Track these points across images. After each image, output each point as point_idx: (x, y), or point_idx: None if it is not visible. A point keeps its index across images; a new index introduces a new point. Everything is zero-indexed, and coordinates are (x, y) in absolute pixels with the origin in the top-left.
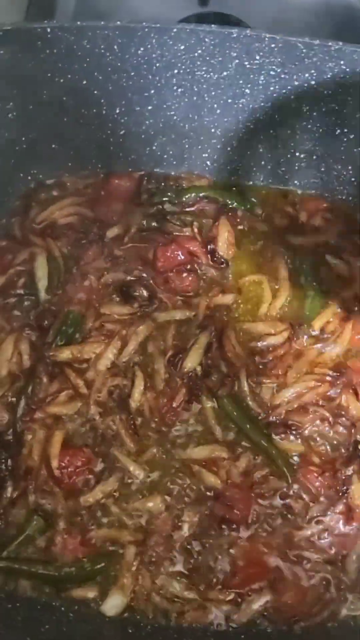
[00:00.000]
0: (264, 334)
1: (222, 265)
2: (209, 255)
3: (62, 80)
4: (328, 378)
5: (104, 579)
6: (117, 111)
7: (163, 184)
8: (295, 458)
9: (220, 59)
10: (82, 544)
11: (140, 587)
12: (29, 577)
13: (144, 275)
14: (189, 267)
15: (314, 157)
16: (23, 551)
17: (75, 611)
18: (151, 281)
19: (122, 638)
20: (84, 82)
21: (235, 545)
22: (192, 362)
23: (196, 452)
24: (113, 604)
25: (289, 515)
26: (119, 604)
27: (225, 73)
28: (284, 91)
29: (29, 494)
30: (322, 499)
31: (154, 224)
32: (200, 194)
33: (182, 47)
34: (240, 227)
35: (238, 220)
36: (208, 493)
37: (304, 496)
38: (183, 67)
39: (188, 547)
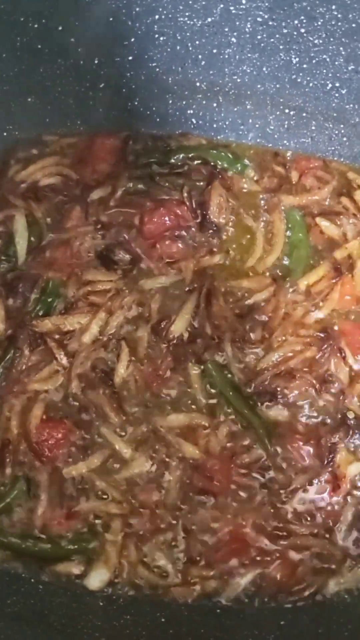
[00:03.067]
0: (250, 291)
1: (214, 231)
2: (199, 221)
3: (36, 26)
4: (315, 341)
5: (85, 554)
6: (96, 62)
7: (150, 144)
8: (280, 426)
9: (204, 2)
10: (68, 517)
11: (125, 560)
12: (3, 548)
13: (124, 237)
14: (177, 232)
15: (304, 114)
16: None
17: (46, 583)
18: (132, 244)
19: (98, 612)
20: (60, 28)
21: (216, 518)
22: (178, 328)
23: (176, 419)
24: (97, 578)
25: (272, 487)
26: (103, 578)
27: (209, 19)
28: (272, 40)
29: (6, 466)
30: (306, 468)
31: (140, 186)
32: (190, 155)
33: None
34: (232, 189)
35: (230, 182)
36: (188, 464)
37: (288, 466)
38: (165, 12)
39: (171, 520)
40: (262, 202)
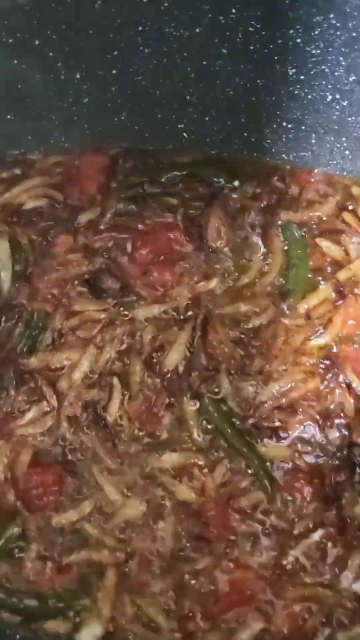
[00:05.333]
0: (247, 315)
1: (210, 255)
2: (194, 245)
3: (11, 40)
4: (318, 370)
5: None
6: (78, 76)
7: (140, 161)
8: (281, 465)
9: (190, 12)
10: (59, 571)
11: (119, 614)
12: None
13: (112, 263)
14: (170, 258)
15: (303, 127)
16: None
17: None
18: (123, 271)
19: None
20: (36, 42)
21: (214, 567)
22: (173, 360)
23: (170, 459)
24: (90, 633)
25: (274, 533)
26: (96, 632)
27: (197, 30)
28: (265, 51)
29: None
30: (310, 511)
31: (132, 207)
32: (183, 172)
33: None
34: (229, 207)
35: (228, 201)
36: (183, 509)
37: (290, 509)
38: (148, 23)
39: (167, 570)
40: (259, 218)
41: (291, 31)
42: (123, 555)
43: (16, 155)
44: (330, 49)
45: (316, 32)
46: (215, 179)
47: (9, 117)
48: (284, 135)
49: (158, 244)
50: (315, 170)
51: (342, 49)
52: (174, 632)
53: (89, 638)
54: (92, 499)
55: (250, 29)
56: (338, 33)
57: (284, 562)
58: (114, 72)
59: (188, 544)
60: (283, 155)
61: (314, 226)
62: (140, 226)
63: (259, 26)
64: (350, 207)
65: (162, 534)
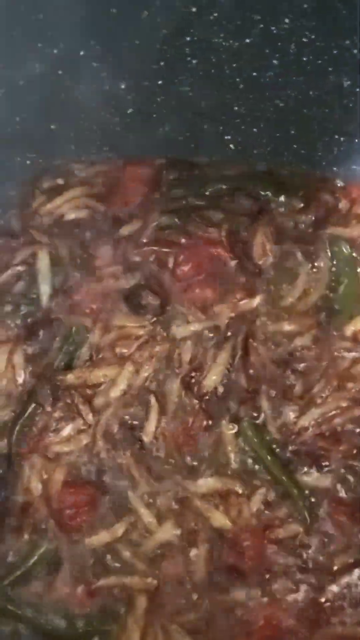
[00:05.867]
0: (291, 335)
1: (254, 273)
2: (238, 262)
3: (55, 51)
4: None
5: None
6: (122, 86)
7: (185, 173)
8: (321, 496)
9: (240, 22)
10: (89, 594)
11: None
12: (16, 620)
13: (152, 278)
14: (213, 275)
15: (357, 140)
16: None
17: None
18: (163, 287)
19: None
20: (81, 52)
21: (248, 600)
22: (212, 381)
23: (206, 484)
24: None
25: (311, 567)
26: None
27: (247, 40)
28: (319, 62)
29: (24, 531)
30: (350, 546)
31: (175, 220)
32: (229, 185)
33: (194, 9)
34: (276, 222)
35: (275, 216)
36: (218, 537)
37: (329, 543)
38: (196, 33)
39: (198, 599)
40: (307, 234)
41: (347, 42)
42: (155, 581)
43: (59, 165)
44: None
45: None
46: (262, 193)
47: (52, 127)
48: (335, 148)
49: (200, 260)
50: None
51: None
52: None
53: None
54: (125, 521)
55: (304, 40)
56: None
57: (322, 599)
58: (160, 82)
59: (222, 574)
60: (334, 169)
61: None
62: (183, 241)
63: (313, 37)
64: None
65: (195, 561)
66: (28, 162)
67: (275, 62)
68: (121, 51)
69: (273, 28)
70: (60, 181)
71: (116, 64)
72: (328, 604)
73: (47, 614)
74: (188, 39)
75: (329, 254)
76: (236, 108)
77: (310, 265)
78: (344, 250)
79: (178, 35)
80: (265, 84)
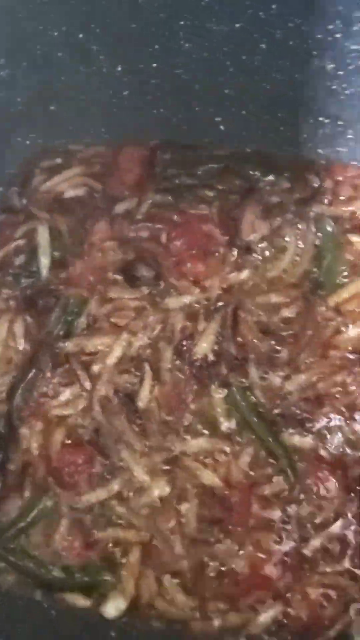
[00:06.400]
0: (278, 306)
1: (244, 249)
2: (228, 238)
3: (56, 34)
4: (346, 363)
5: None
6: (119, 69)
7: (179, 153)
8: (305, 455)
9: (231, 8)
10: (86, 546)
11: (142, 590)
12: (18, 571)
13: (146, 253)
14: (204, 250)
15: (340, 122)
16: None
17: (59, 610)
18: (158, 259)
19: None
20: (80, 35)
21: (235, 551)
22: (202, 349)
23: (197, 444)
24: (113, 607)
25: (295, 521)
26: (119, 606)
27: (238, 25)
28: (305, 46)
29: (25, 489)
30: (332, 501)
31: (168, 198)
32: (220, 165)
33: None
34: (264, 201)
35: (263, 194)
36: (207, 493)
37: (312, 499)
38: (190, 17)
39: (189, 551)
40: (293, 212)
41: (331, 26)
42: (148, 535)
43: (58, 145)
44: None
45: (355, 28)
46: (251, 173)
47: (52, 108)
48: (320, 130)
49: (192, 236)
50: (351, 165)
51: None
52: (194, 610)
53: (113, 611)
54: (120, 479)
55: (290, 25)
56: None
57: (305, 551)
58: (155, 65)
59: (211, 527)
60: (319, 150)
61: (348, 221)
62: (175, 217)
63: (298, 21)
64: None
65: (185, 516)
66: (28, 142)
67: (263, 46)
68: (118, 34)
69: (261, 13)
70: (59, 160)
71: (114, 47)
72: (311, 555)
73: (46, 565)
74: (182, 23)
75: (314, 230)
76: (227, 91)
77: (296, 241)
78: (328, 227)
79: (172, 19)
80: (254, 68)
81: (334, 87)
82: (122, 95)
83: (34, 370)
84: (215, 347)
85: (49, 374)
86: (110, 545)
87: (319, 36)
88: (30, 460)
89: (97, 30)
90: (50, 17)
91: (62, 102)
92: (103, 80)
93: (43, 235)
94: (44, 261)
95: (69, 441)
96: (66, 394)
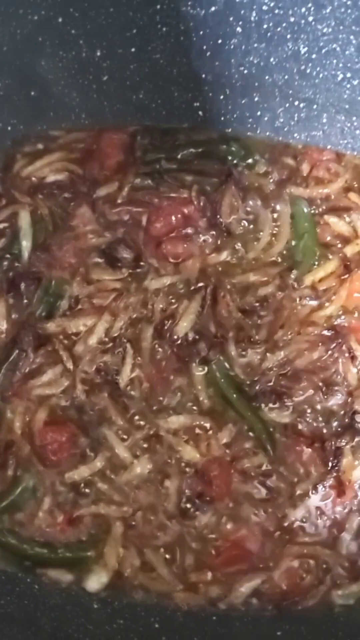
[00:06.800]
0: (256, 285)
1: (222, 230)
2: (207, 220)
3: (35, 18)
4: (322, 339)
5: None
6: (98, 54)
7: (158, 138)
8: (283, 429)
9: None
10: (69, 522)
11: (124, 564)
12: (0, 547)
13: (127, 235)
14: (184, 232)
15: (315, 106)
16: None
17: (42, 584)
18: (138, 241)
19: (91, 616)
20: (59, 19)
21: (216, 524)
22: (183, 328)
23: (177, 420)
24: (96, 580)
25: (274, 494)
26: (102, 580)
27: (213, 8)
28: (279, 29)
29: (8, 467)
30: (310, 474)
31: (148, 182)
32: (199, 149)
33: None
34: (243, 184)
35: (241, 178)
36: (187, 468)
37: (291, 472)
38: (166, 1)
39: (171, 525)
40: (270, 194)
41: (303, 9)
42: (130, 510)
43: (39, 131)
44: (341, 27)
45: (327, 11)
46: (230, 157)
47: (32, 93)
48: (296, 114)
49: (172, 218)
50: (326, 149)
51: (353, 27)
52: (177, 583)
53: (96, 585)
54: (103, 456)
55: (264, 8)
56: (349, 11)
57: (285, 522)
58: (133, 50)
59: (192, 501)
60: (295, 134)
61: (323, 203)
62: (156, 201)
63: (272, 4)
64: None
65: (167, 491)
66: (9, 127)
67: (238, 29)
68: (97, 19)
69: None
70: (40, 146)
71: (92, 32)
72: (290, 526)
73: (29, 541)
74: (158, 7)
75: (290, 211)
76: (204, 75)
77: (273, 221)
78: (304, 208)
79: (149, 3)
80: (230, 51)
81: (308, 70)
82: (101, 80)
83: (16, 351)
84: (196, 326)
85: (31, 355)
86: (93, 521)
87: (292, 19)
88: (14, 439)
89: (76, 14)
90: (29, 1)
91: (43, 87)
92: (82, 65)
93: (24, 219)
94: (26, 244)
95: (52, 420)
96: (49, 374)
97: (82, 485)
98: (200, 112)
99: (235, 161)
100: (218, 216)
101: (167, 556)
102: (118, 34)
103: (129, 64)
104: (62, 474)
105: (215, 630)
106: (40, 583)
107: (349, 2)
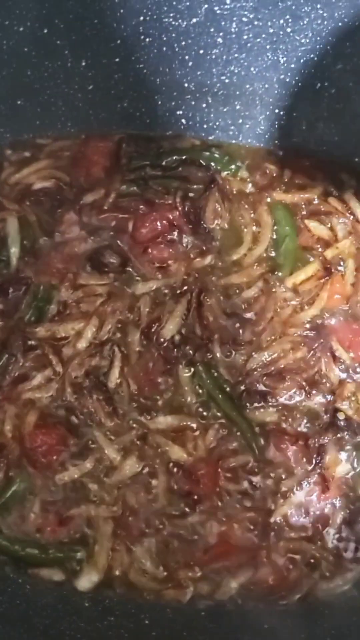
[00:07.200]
0: (239, 287)
1: (206, 235)
2: (192, 226)
3: (21, 29)
4: (305, 340)
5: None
6: (83, 64)
7: (143, 146)
8: (268, 428)
9: (187, 3)
10: (60, 523)
11: (115, 563)
12: None
13: (113, 241)
14: (169, 237)
15: (294, 114)
16: None
17: (33, 584)
18: (124, 247)
19: (82, 613)
20: (45, 30)
21: (204, 522)
22: (169, 331)
23: (165, 421)
24: (87, 579)
25: (260, 491)
26: (93, 579)
27: (194, 20)
28: (258, 40)
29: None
30: (295, 471)
31: (134, 189)
32: (183, 157)
33: None
34: (226, 191)
35: (224, 184)
36: (175, 468)
37: (276, 469)
38: (149, 13)
39: (159, 524)
40: (253, 199)
41: (281, 21)
42: (119, 510)
43: (26, 139)
44: (319, 38)
45: (305, 22)
46: (213, 163)
47: (19, 102)
48: (276, 122)
49: (158, 224)
50: (306, 156)
51: (329, 38)
52: (166, 580)
53: (87, 584)
54: (92, 458)
55: (244, 19)
56: (325, 23)
57: (271, 519)
58: (117, 60)
59: (179, 500)
60: (276, 141)
61: (304, 207)
62: (141, 207)
63: (251, 16)
64: (336, 193)
65: (155, 491)
66: None
67: (219, 40)
68: (82, 30)
69: (217, 8)
70: (27, 154)
71: (77, 42)
72: (276, 522)
73: (21, 542)
74: (141, 18)
75: (272, 216)
76: (186, 84)
77: (255, 226)
78: (285, 213)
79: (133, 14)
80: (211, 61)
81: (287, 80)
82: (86, 89)
83: (6, 356)
84: (182, 329)
85: (21, 359)
86: (84, 520)
87: (271, 30)
88: (4, 442)
89: (61, 26)
90: (15, 12)
91: (29, 96)
92: (68, 74)
93: (12, 225)
94: (14, 250)
95: (42, 423)
96: (38, 378)
97: (73, 486)
98: (183, 120)
99: (218, 167)
100: (202, 221)
101: (157, 554)
102: (102, 45)
103: (114, 74)
104: (52, 475)
105: (203, 625)
106: (32, 583)
107: (324, 14)
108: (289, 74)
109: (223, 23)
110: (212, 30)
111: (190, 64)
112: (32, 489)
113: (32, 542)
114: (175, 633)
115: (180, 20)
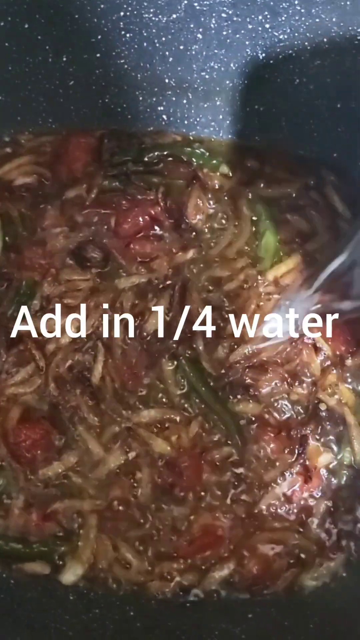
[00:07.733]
0: (222, 280)
1: (188, 230)
2: (174, 221)
3: (2, 24)
4: None
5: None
6: (64, 59)
7: (125, 141)
8: (251, 420)
9: None
10: (44, 518)
11: (99, 556)
12: None
13: (96, 236)
14: (151, 232)
15: (274, 109)
16: None
17: (18, 578)
18: (107, 242)
19: (67, 606)
20: (26, 25)
21: (188, 514)
22: (152, 325)
23: (148, 414)
24: (71, 573)
25: (244, 483)
26: (77, 572)
27: (174, 15)
28: (237, 36)
29: None
30: (277, 462)
31: (116, 184)
32: (164, 152)
33: None
34: (207, 186)
35: (206, 179)
36: (160, 461)
37: (259, 461)
38: (129, 8)
39: (144, 517)
40: (234, 194)
41: (260, 17)
42: (104, 503)
43: (7, 135)
44: (296, 34)
45: (283, 18)
46: (194, 159)
47: (0, 98)
48: (256, 118)
49: (140, 219)
50: (287, 151)
51: (307, 34)
52: (150, 572)
53: (71, 577)
54: (76, 452)
55: (223, 15)
56: (303, 19)
57: (254, 509)
58: (98, 55)
59: (163, 492)
60: (256, 137)
61: (284, 201)
62: (123, 202)
63: (230, 12)
64: (317, 186)
65: (139, 484)
66: None
67: (199, 36)
68: (63, 25)
69: (196, 4)
70: (8, 150)
71: (59, 37)
72: (259, 513)
73: (4, 537)
74: (122, 13)
75: (252, 210)
76: (167, 80)
77: (235, 220)
78: (265, 207)
79: (113, 10)
80: (192, 57)
81: (266, 75)
82: (68, 85)
83: None
84: (165, 323)
85: (4, 354)
86: (68, 514)
87: (250, 26)
88: None
89: (42, 21)
90: None
91: (10, 92)
92: (49, 70)
93: None
94: None
95: (26, 418)
96: (22, 373)
97: (57, 481)
98: (164, 116)
99: (200, 163)
100: (184, 217)
101: (141, 547)
102: (83, 40)
103: (95, 69)
104: (36, 470)
105: (188, 615)
106: (16, 577)
107: (302, 10)
108: (268, 70)
109: (202, 19)
110: (192, 26)
111: (171, 59)
112: (16, 484)
113: (16, 537)
114: (160, 624)
115: (160, 16)
